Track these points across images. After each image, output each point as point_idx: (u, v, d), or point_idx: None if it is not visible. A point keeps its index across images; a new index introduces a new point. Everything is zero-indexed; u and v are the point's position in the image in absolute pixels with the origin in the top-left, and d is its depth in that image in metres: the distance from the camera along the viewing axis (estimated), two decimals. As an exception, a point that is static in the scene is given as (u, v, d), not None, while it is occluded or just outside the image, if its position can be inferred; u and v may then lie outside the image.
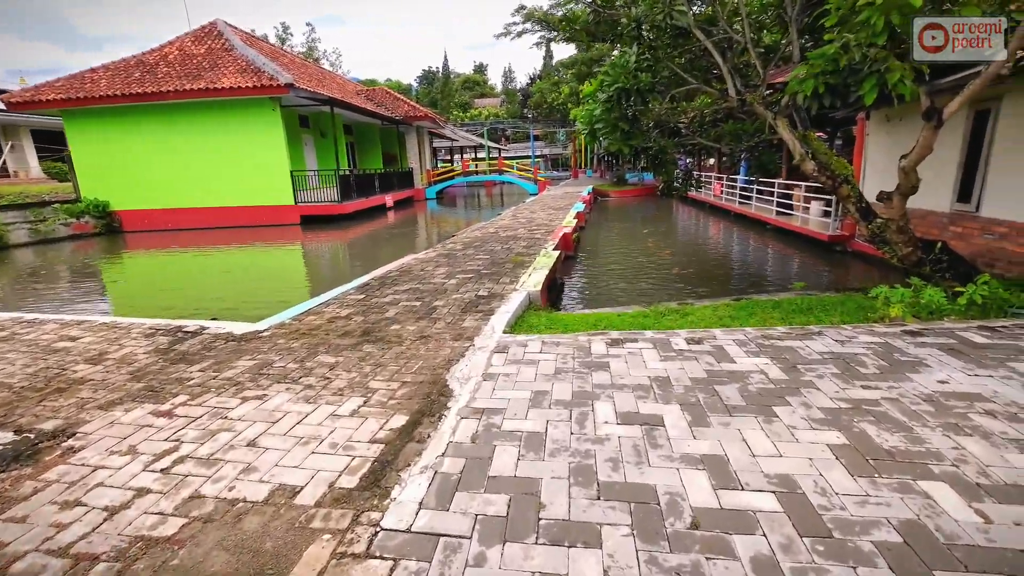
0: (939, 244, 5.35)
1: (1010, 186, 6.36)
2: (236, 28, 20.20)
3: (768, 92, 6.50)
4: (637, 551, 1.91)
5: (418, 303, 5.61)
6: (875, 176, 9.45)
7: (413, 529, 2.08)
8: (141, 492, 2.40)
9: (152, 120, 16.47)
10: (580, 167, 43.46)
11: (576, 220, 12.77)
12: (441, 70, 77.78)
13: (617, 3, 7.76)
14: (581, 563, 1.87)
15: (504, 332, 4.49)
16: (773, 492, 2.21)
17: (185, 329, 4.94)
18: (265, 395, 3.38)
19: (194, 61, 17.01)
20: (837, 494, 2.17)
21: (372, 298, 5.91)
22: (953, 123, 6.08)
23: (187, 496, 2.36)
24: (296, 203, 17.10)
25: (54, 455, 2.75)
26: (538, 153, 50.88)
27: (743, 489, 2.23)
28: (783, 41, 6.97)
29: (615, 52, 7.22)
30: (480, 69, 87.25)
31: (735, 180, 16.58)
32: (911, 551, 1.85)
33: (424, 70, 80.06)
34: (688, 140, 8.45)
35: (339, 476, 2.47)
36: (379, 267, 7.87)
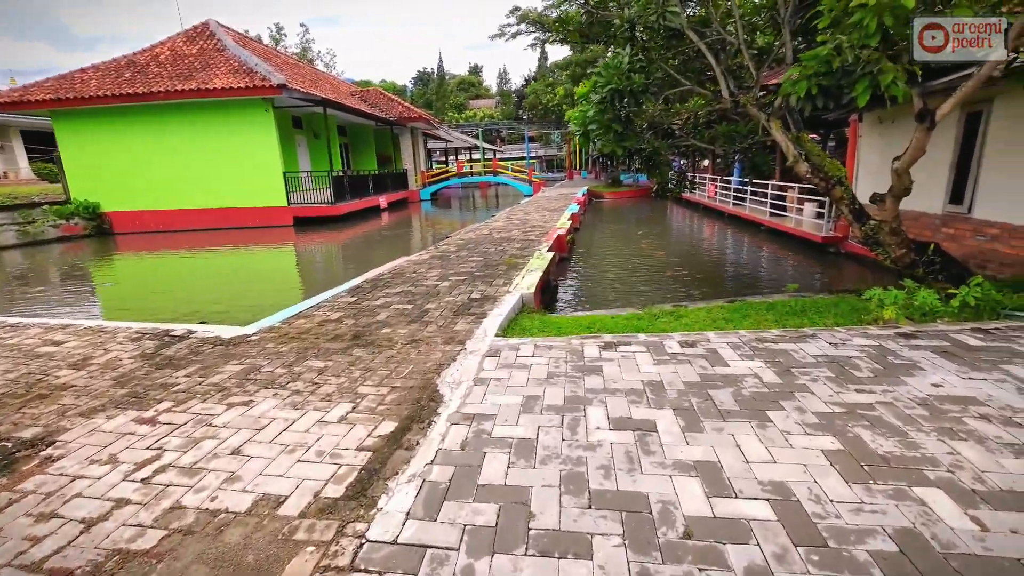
0: (932, 246, 5.35)
1: (1002, 187, 6.38)
2: (228, 28, 20.07)
3: (761, 94, 6.49)
4: (629, 562, 1.87)
5: (410, 306, 5.55)
6: (868, 178, 9.48)
7: (399, 541, 2.03)
8: (120, 503, 2.33)
9: (143, 121, 16.31)
10: (575, 168, 43.49)
11: (570, 221, 12.74)
12: (436, 71, 77.72)
13: (610, 4, 7.74)
14: (571, 575, 1.82)
15: (496, 335, 4.44)
16: (767, 500, 2.17)
17: (172, 333, 4.86)
18: (252, 401, 3.31)
19: (186, 61, 16.87)
20: (832, 501, 2.14)
21: (363, 301, 5.84)
22: (945, 125, 6.09)
23: (168, 507, 2.29)
24: (289, 204, 16.97)
25: (31, 464, 2.68)
26: (533, 154, 50.88)
27: (737, 497, 2.20)
28: (776, 43, 6.97)
29: (609, 53, 7.19)
30: (475, 70, 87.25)
31: (729, 181, 16.62)
32: (907, 561, 1.82)
33: (419, 71, 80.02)
34: (682, 142, 8.43)
35: (325, 485, 2.41)
36: (371, 269, 7.80)
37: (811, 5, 5.57)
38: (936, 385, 3.13)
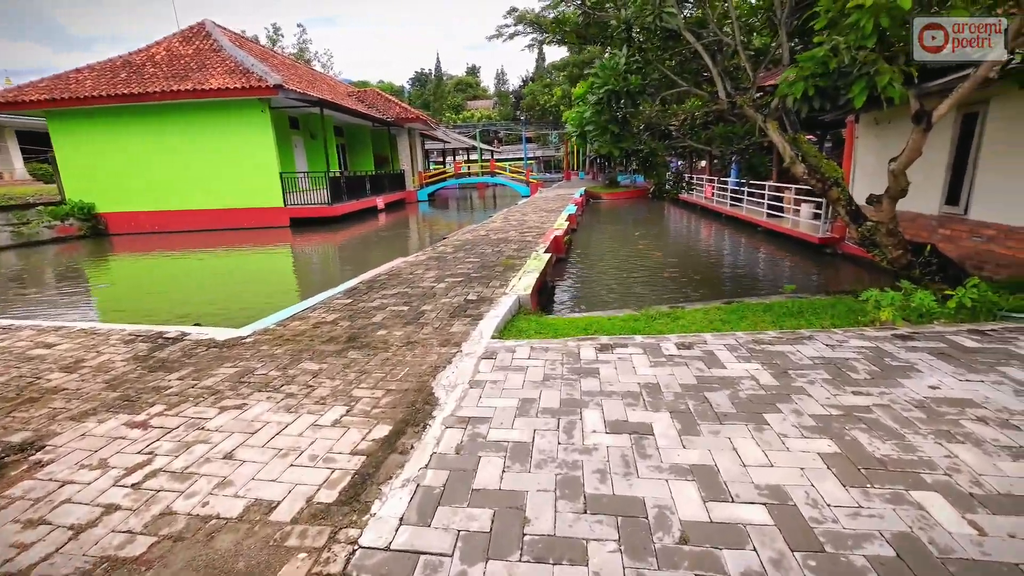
0: (928, 247, 5.35)
1: (998, 188, 6.39)
2: (225, 29, 20.01)
3: (758, 95, 6.49)
4: (624, 568, 1.85)
5: (406, 308, 5.52)
6: (865, 179, 9.49)
7: (393, 547, 2.00)
8: (110, 509, 2.30)
9: (139, 121, 16.24)
10: (572, 169, 43.54)
11: (568, 222, 12.72)
12: (434, 72, 77.68)
13: (607, 5, 7.73)
14: (566, 582, 1.80)
15: (493, 337, 4.41)
16: (764, 504, 2.15)
17: (166, 335, 4.83)
18: (245, 404, 3.28)
19: (181, 62, 16.82)
20: (829, 506, 2.12)
21: (359, 302, 5.81)
22: (941, 126, 6.10)
23: (158, 513, 2.26)
24: (285, 205, 16.92)
25: (20, 470, 2.64)
26: (530, 155, 50.90)
27: (733, 501, 2.18)
28: (773, 44, 6.97)
29: (606, 55, 7.18)
30: (473, 71, 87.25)
31: (726, 182, 16.64)
32: (905, 566, 1.80)
33: (416, 72, 80.00)
34: (679, 143, 8.43)
35: (318, 490, 2.38)
36: (368, 270, 7.77)
37: (808, 6, 5.57)
38: (933, 387, 3.12)
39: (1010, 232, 6.14)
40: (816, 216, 10.81)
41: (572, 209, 15.73)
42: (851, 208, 5.62)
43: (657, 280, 8.88)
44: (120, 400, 3.43)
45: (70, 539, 2.11)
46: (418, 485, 2.37)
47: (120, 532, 2.15)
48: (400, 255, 9.34)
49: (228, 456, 2.69)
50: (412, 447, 2.72)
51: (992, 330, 4.07)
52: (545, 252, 8.47)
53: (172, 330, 4.96)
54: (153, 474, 2.55)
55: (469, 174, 35.21)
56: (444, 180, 32.11)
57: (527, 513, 2.16)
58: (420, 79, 78.47)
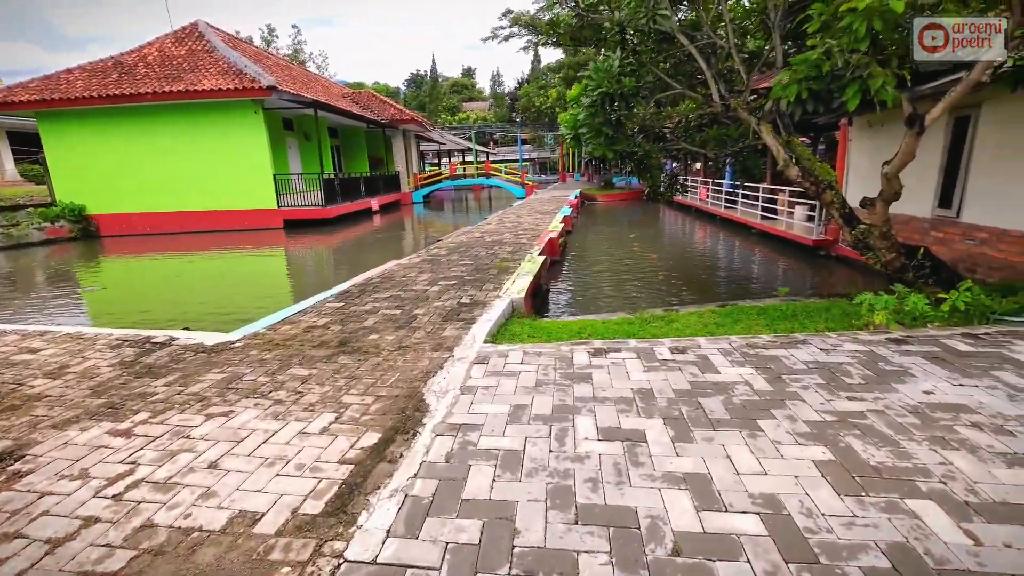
0: (921, 250, 5.35)
1: (990, 192, 6.41)
2: (218, 29, 19.90)
3: (752, 97, 6.49)
4: (615, 582, 1.81)
5: (398, 311, 5.47)
6: (858, 181, 9.52)
7: (379, 560, 1.95)
8: (89, 521, 2.24)
9: (130, 122, 16.11)
10: (568, 171, 43.57)
11: (563, 224, 12.70)
12: (429, 73, 77.62)
13: (600, 7, 7.72)
14: (556, 597, 1.76)
15: (485, 342, 4.37)
16: (758, 514, 2.12)
17: (153, 340, 4.75)
18: (232, 411, 3.22)
19: (174, 62, 16.70)
20: (823, 515, 2.09)
21: (351, 306, 5.75)
22: (934, 129, 6.11)
23: (138, 525, 2.20)
24: (279, 207, 16.82)
25: (-2, 480, 2.57)
26: (526, 157, 50.90)
27: (727, 511, 2.14)
28: (766, 47, 6.97)
29: (600, 56, 7.17)
30: (468, 73, 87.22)
31: (720, 184, 16.68)
32: (900, 578, 1.77)
33: (412, 73, 79.88)
34: (673, 145, 8.42)
35: (304, 501, 2.33)
36: (361, 273, 7.71)
37: (801, 10, 5.57)
38: (927, 392, 3.10)
39: (1002, 235, 6.15)
40: (810, 218, 10.84)
41: (567, 211, 15.71)
42: (845, 211, 5.62)
43: (652, 282, 8.86)
44: (104, 407, 3.36)
45: (46, 554, 2.05)
46: (406, 495, 2.32)
47: (99, 546, 2.09)
48: (394, 257, 9.28)
49: (213, 465, 2.63)
50: (401, 455, 2.67)
51: (986, 334, 4.06)
52: (539, 254, 8.44)
53: (160, 335, 4.89)
54: (135, 484, 2.49)
55: (464, 176, 35.15)
56: (439, 182, 32.05)
57: (517, 524, 2.11)
58: (416, 80, 78.38)
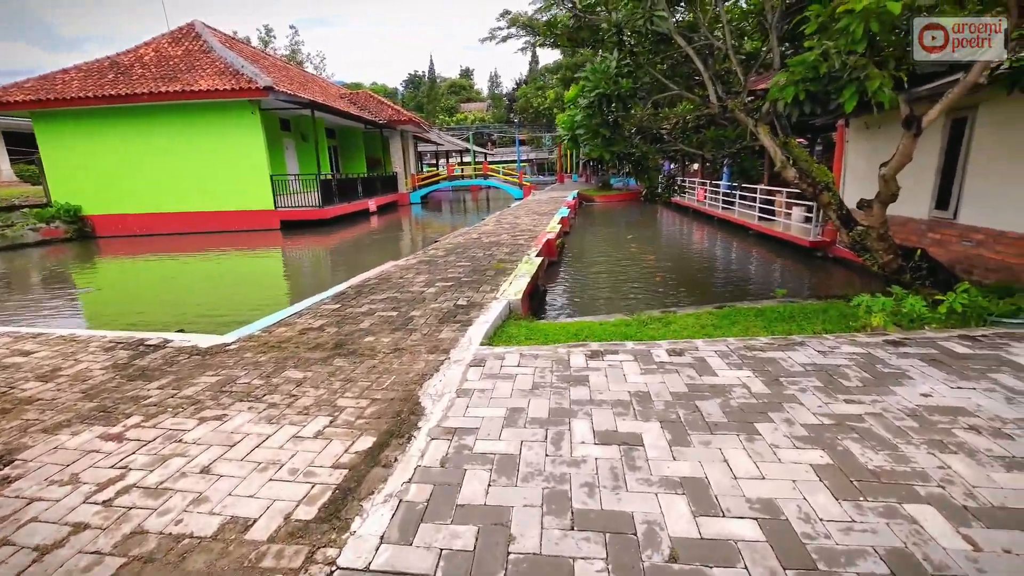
0: (919, 251, 5.35)
1: (986, 193, 6.41)
2: (215, 30, 19.85)
3: (749, 99, 6.48)
4: (611, 589, 1.78)
5: (395, 313, 5.44)
6: (855, 183, 9.53)
7: (372, 567, 1.93)
8: (78, 528, 2.21)
9: (126, 123, 16.03)
10: (565, 172, 43.57)
11: (560, 225, 12.69)
12: (427, 74, 77.59)
13: (598, 9, 7.71)
14: (551, 604, 1.74)
15: (481, 344, 4.35)
16: (755, 519, 2.10)
17: (147, 342, 4.71)
18: (225, 415, 3.19)
19: (170, 63, 16.63)
20: (821, 520, 2.07)
21: (347, 308, 5.72)
22: (930, 131, 6.12)
23: (128, 532, 2.17)
24: (276, 208, 16.76)
25: (-13, 486, 2.54)
26: (524, 158, 50.89)
27: (724, 516, 2.12)
28: (764, 48, 6.97)
29: (597, 58, 7.15)
30: (466, 74, 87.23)
31: (718, 186, 16.69)
32: (899, 585, 1.75)
33: (410, 74, 79.81)
34: (670, 146, 8.41)
35: (296, 506, 2.30)
36: (358, 274, 7.67)
37: (798, 11, 5.56)
38: (925, 395, 3.09)
39: (999, 237, 6.16)
40: (807, 219, 10.84)
41: (565, 212, 15.71)
42: (842, 212, 5.61)
43: (649, 284, 8.85)
44: (96, 411, 3.32)
45: (34, 561, 2.02)
46: (400, 500, 2.30)
47: (88, 553, 2.06)
48: (391, 258, 9.25)
49: (205, 470, 2.60)
50: (396, 460, 2.64)
51: (983, 336, 4.06)
52: (537, 256, 8.42)
53: (154, 337, 4.85)
54: (126, 490, 2.46)
55: (462, 177, 35.14)
56: (437, 183, 32.03)
57: (512, 530, 2.09)
58: (414, 81, 78.32)
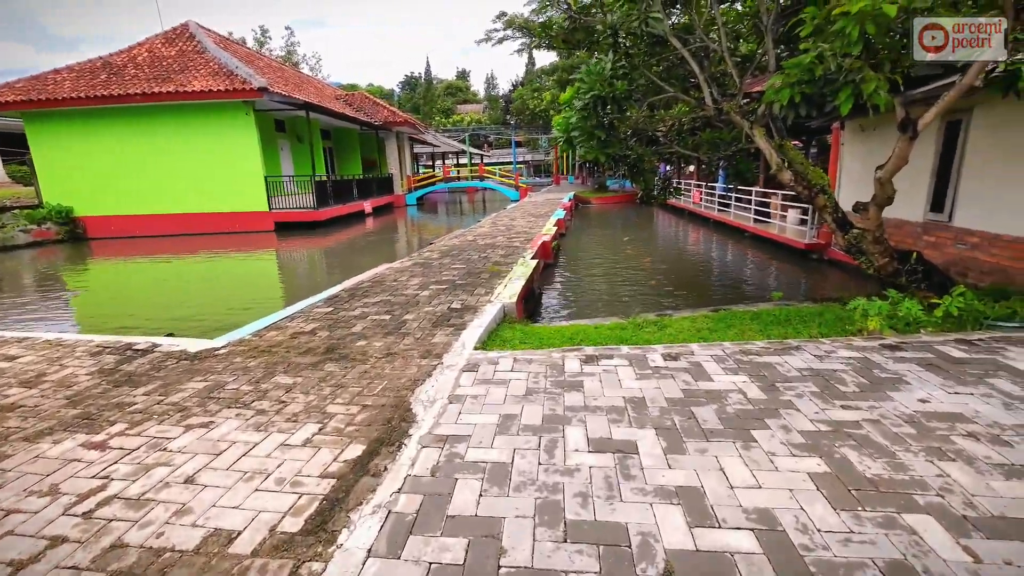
0: (914, 254, 5.33)
1: (981, 196, 6.41)
2: (209, 30, 19.73)
3: (745, 101, 6.46)
4: (604, 605, 1.73)
5: (388, 316, 5.38)
6: (850, 185, 9.53)
7: (358, 582, 1.87)
8: (56, 541, 2.14)
9: (119, 123, 15.90)
10: (562, 173, 43.58)
11: (556, 227, 12.65)
12: (424, 76, 77.56)
13: (592, 10, 7.68)
14: (542, 621, 1.68)
15: (475, 348, 4.29)
16: (752, 530, 2.05)
17: (135, 347, 4.63)
18: (212, 422, 3.12)
19: (164, 63, 16.52)
20: (819, 531, 2.03)
21: (340, 311, 5.65)
22: (926, 133, 6.10)
23: (108, 545, 2.11)
24: (270, 209, 16.66)
25: (-37, 497, 2.46)
26: (520, 159, 50.88)
27: (720, 527, 2.08)
28: (759, 50, 6.96)
29: (593, 59, 7.12)
30: (463, 75, 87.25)
31: (714, 188, 16.70)
32: (899, 599, 1.71)
33: (407, 75, 79.79)
34: (666, 149, 8.39)
35: (282, 518, 2.24)
36: (352, 277, 7.60)
37: (793, 13, 5.54)
38: (923, 401, 3.06)
39: (994, 239, 6.15)
40: (802, 222, 10.84)
41: (561, 214, 15.68)
42: (838, 215, 5.59)
43: (645, 286, 8.82)
44: (80, 418, 3.25)
45: (8, 577, 1.95)
46: (389, 512, 2.24)
47: (64, 568, 1.99)
48: (386, 261, 9.18)
49: (189, 480, 2.53)
50: (385, 469, 2.58)
51: (979, 340, 4.04)
52: (532, 258, 8.38)
53: (142, 341, 4.77)
54: (107, 501, 2.39)
55: (458, 178, 35.10)
56: (433, 184, 31.96)
57: (504, 542, 2.03)
58: (410, 83, 78.28)
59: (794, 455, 2.55)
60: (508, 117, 57.97)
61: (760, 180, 13.84)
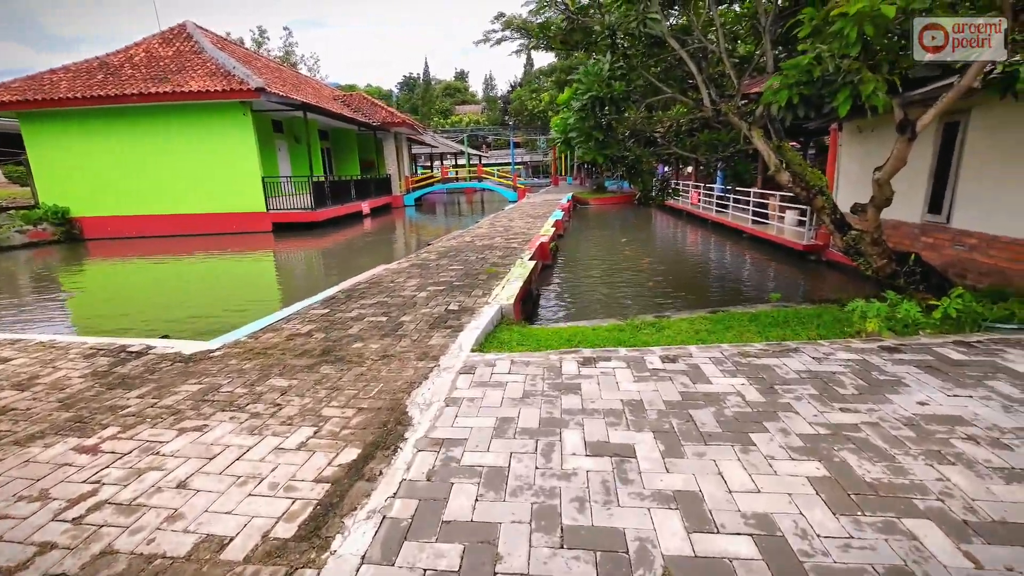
0: (913, 256, 5.32)
1: (979, 197, 6.41)
2: (206, 30, 19.69)
3: (743, 102, 6.45)
4: (601, 613, 1.71)
5: (384, 318, 5.35)
6: (848, 187, 9.53)
7: (352, 590, 1.84)
8: (44, 548, 2.10)
9: (116, 124, 15.84)
10: (560, 174, 43.60)
11: (554, 228, 12.63)
12: (422, 76, 77.56)
13: (591, 11, 7.67)
14: (538, 630, 1.66)
15: (472, 350, 4.26)
16: (750, 535, 2.03)
17: (129, 349, 4.59)
18: (206, 426, 3.09)
19: (161, 63, 16.47)
20: (819, 536, 2.01)
21: (336, 313, 5.62)
22: (924, 134, 6.11)
23: (97, 552, 2.07)
24: (268, 210, 16.61)
25: (-49, 503, 2.43)
26: (519, 160, 50.89)
27: (719, 532, 2.05)
28: (757, 51, 6.95)
29: (590, 60, 7.10)
30: (461, 76, 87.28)
31: (712, 189, 16.70)
32: (900, 606, 1.69)
33: (405, 76, 79.73)
34: (664, 150, 8.38)
35: (275, 524, 2.21)
36: (349, 278, 7.57)
37: (792, 14, 5.54)
38: (922, 403, 3.04)
39: (992, 241, 6.15)
40: (801, 223, 10.84)
41: (559, 215, 15.66)
42: (836, 217, 5.58)
43: (643, 287, 8.80)
44: (72, 421, 3.21)
45: (-5, 585, 1.92)
46: (384, 517, 2.21)
47: (53, 575, 1.95)
48: (383, 261, 9.15)
49: (181, 485, 2.50)
50: (381, 473, 2.55)
51: (978, 341, 4.03)
52: (530, 259, 8.35)
53: (136, 343, 4.73)
54: (97, 506, 2.36)
55: (456, 179, 35.07)
56: (431, 185, 31.93)
57: (500, 548, 2.01)
58: (408, 83, 78.24)
59: (793, 459, 2.53)
60: (506, 118, 57.99)
61: (758, 181, 13.84)
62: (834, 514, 2.13)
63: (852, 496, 2.23)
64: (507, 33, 23.26)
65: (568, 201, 21.65)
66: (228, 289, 9.99)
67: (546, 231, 11.83)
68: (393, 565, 1.94)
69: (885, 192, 5.03)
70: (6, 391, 3.74)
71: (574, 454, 2.65)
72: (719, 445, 2.68)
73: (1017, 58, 4.43)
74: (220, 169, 16.22)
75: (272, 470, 2.60)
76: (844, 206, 6.10)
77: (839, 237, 5.57)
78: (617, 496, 2.30)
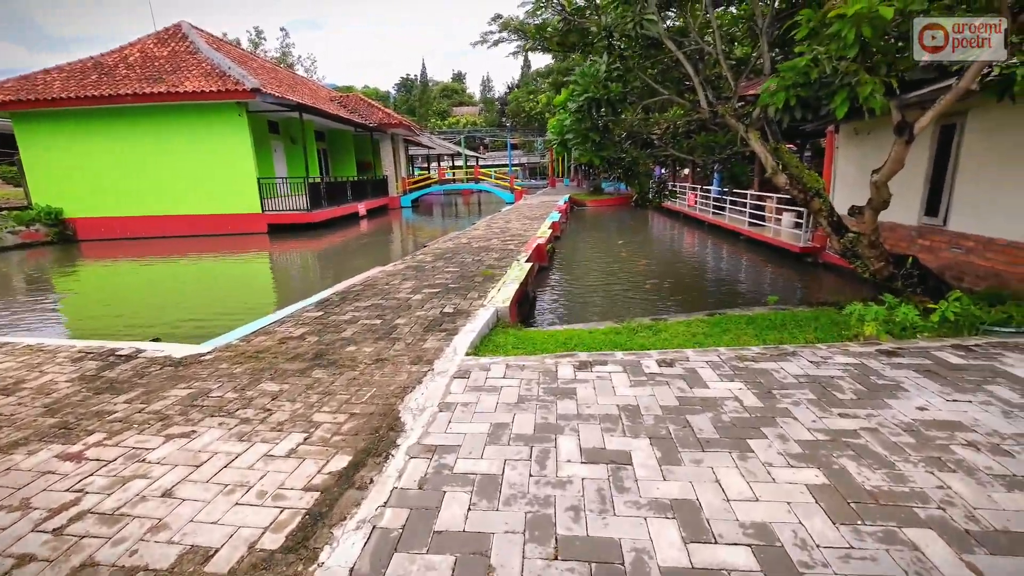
0: (910, 259, 5.30)
1: (976, 200, 6.40)
2: (202, 31, 19.60)
3: (740, 104, 6.43)
4: (596, 628, 1.66)
5: (379, 321, 5.29)
6: (845, 189, 9.53)
7: (339, 604, 1.78)
8: (23, 560, 2.04)
9: (110, 124, 15.74)
10: (557, 176, 43.60)
11: (551, 230, 12.60)
12: (419, 78, 77.49)
13: (587, 12, 7.65)
14: (531, 646, 1.61)
15: (467, 354, 4.21)
16: (749, 545, 1.98)
17: (118, 352, 4.52)
18: (194, 432, 3.03)
19: (156, 64, 16.37)
20: (818, 547, 1.96)
21: (330, 315, 5.56)
22: (920, 137, 6.10)
23: (78, 564, 2.01)
24: (263, 211, 16.52)
25: (-72, 513, 2.36)
26: (516, 162, 50.87)
27: (716, 542, 2.01)
28: (754, 53, 6.93)
29: (587, 62, 7.08)
30: (459, 77, 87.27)
31: (709, 191, 16.71)
32: (902, 621, 1.65)
33: (402, 77, 79.65)
34: (661, 151, 8.36)
35: (262, 534, 2.15)
36: (344, 280, 7.51)
37: (789, 16, 5.52)
38: (921, 408, 3.00)
39: (989, 244, 6.14)
40: (797, 225, 10.84)
41: (556, 216, 15.63)
42: (833, 219, 5.56)
43: (640, 289, 8.77)
44: (56, 427, 3.15)
45: (-30, 599, 1.85)
46: (374, 527, 2.16)
47: (30, 589, 1.89)
48: (379, 263, 9.09)
49: (167, 493, 2.44)
50: (371, 481, 2.50)
51: (976, 345, 4.00)
52: (527, 261, 8.31)
53: (126, 346, 4.66)
54: (79, 516, 2.30)
55: (453, 180, 35.02)
56: (428, 186, 31.87)
57: (492, 560, 1.96)
58: (406, 85, 78.16)
59: (792, 466, 2.48)
60: (504, 119, 57.99)
61: (755, 183, 13.85)
62: (834, 523, 2.08)
63: (852, 504, 2.19)
64: (504, 35, 23.25)
65: (565, 203, 21.64)
66: (222, 291, 9.91)
67: (543, 233, 11.79)
68: (382, 578, 1.89)
69: (883, 194, 5.01)
70: (-9, 396, 3.66)
71: (569, 461, 2.60)
72: (716, 452, 2.63)
73: (1014, 60, 4.41)
74: (215, 170, 16.13)
75: (260, 478, 2.55)
76: (841, 208, 6.08)
77: (836, 239, 5.54)
78: (613, 505, 2.25)
